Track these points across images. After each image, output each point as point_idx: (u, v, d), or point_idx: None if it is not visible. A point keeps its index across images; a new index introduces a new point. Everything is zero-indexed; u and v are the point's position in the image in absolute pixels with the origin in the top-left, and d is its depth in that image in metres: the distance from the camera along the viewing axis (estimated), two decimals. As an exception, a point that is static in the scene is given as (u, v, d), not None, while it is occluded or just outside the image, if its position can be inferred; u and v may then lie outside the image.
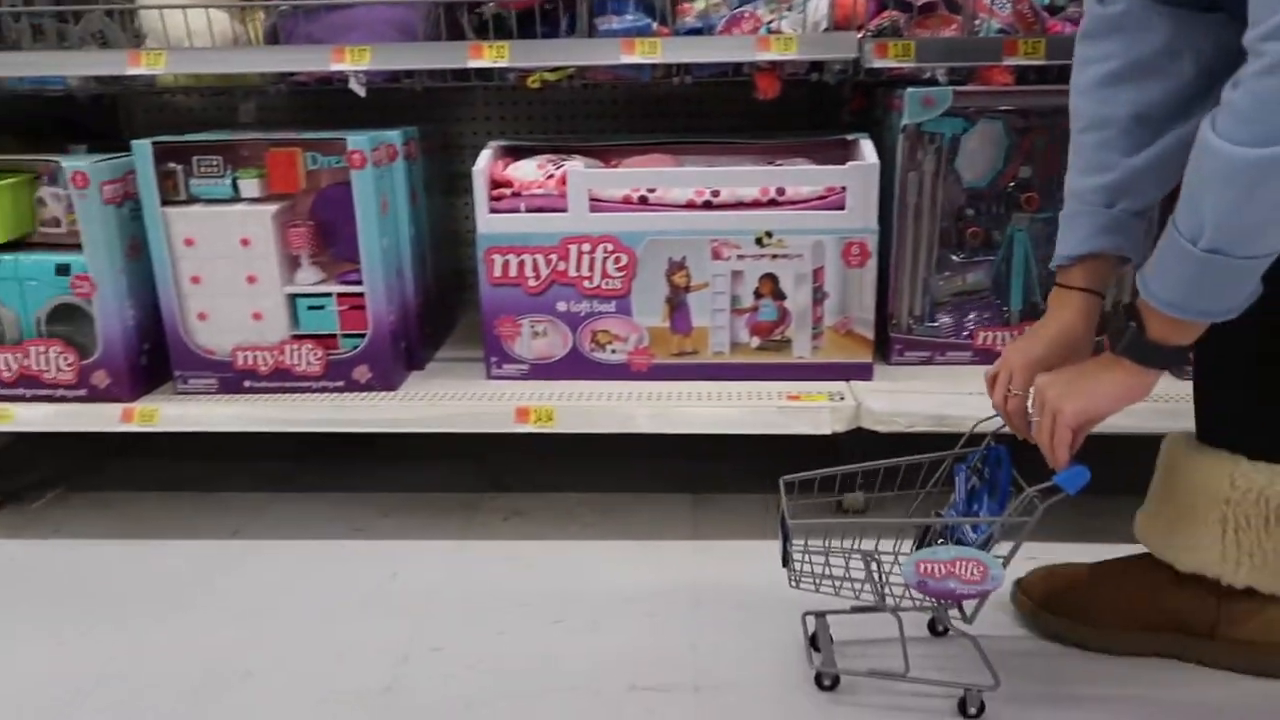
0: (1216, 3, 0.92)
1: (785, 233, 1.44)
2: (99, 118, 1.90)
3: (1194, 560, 1.06)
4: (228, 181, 1.44)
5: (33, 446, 1.72)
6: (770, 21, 1.47)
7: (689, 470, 1.64)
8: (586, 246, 1.46)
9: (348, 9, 1.48)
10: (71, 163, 1.39)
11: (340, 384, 1.50)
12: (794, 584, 1.07)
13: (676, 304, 1.49)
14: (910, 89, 1.44)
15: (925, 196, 1.50)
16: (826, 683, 1.07)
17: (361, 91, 1.49)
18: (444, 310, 1.83)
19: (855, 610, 1.09)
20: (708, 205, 1.45)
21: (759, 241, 1.45)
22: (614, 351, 1.51)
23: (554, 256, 1.47)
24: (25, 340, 1.46)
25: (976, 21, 1.46)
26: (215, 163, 1.44)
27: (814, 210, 1.44)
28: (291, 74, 1.59)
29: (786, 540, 1.06)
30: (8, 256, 1.44)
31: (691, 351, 1.51)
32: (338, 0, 1.47)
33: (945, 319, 1.56)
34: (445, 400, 1.47)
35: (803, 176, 1.45)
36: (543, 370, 1.53)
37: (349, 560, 1.41)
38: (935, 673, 1.07)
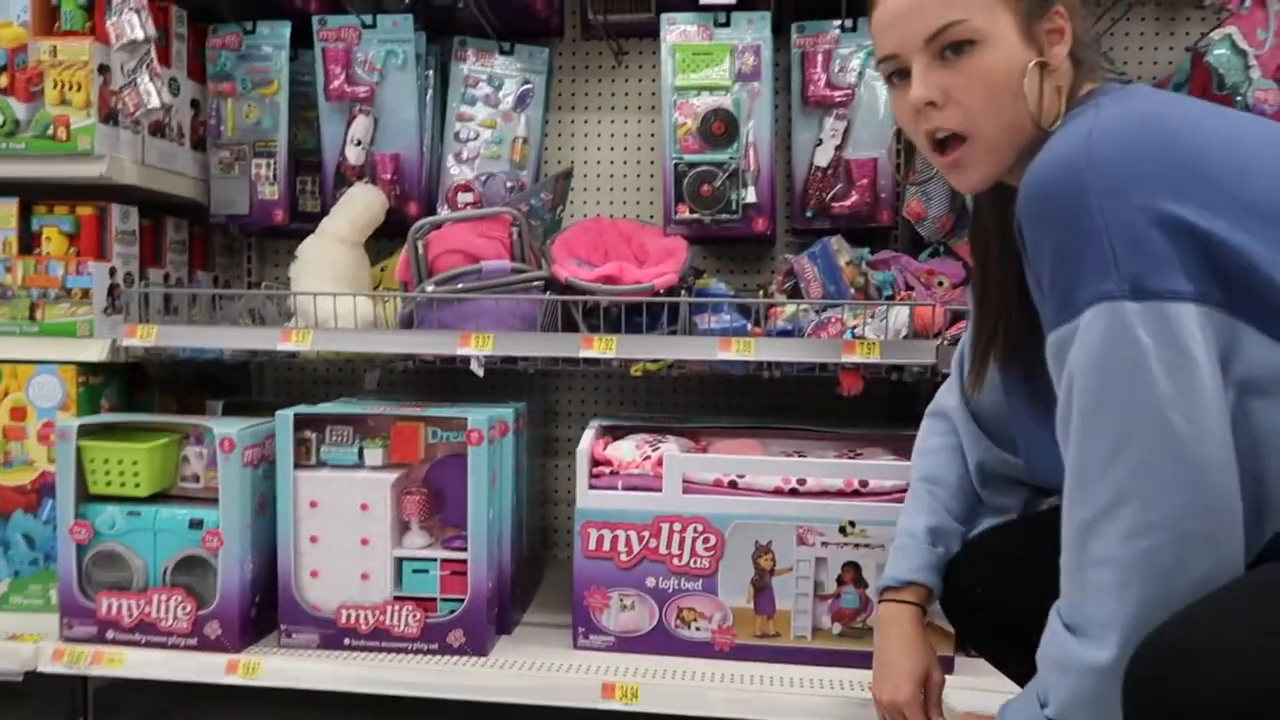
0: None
1: (867, 523, 1.51)
2: (234, 374, 2.11)
3: None
4: (354, 449, 1.58)
5: (131, 688, 1.78)
6: (854, 326, 1.62)
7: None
8: (678, 526, 1.55)
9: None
10: (221, 429, 1.55)
11: (434, 646, 1.55)
12: None
13: (761, 586, 1.54)
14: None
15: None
16: None
17: (480, 373, 1.66)
18: (532, 568, 1.90)
19: None
20: (794, 493, 1.54)
21: (842, 530, 1.52)
22: (698, 629, 1.56)
23: (646, 533, 1.55)
24: (150, 588, 1.57)
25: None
26: (345, 433, 1.59)
27: (896, 503, 1.52)
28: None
29: None
30: (148, 509, 1.58)
31: (774, 634, 1.54)
32: (467, 296, 1.66)
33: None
34: (534, 671, 1.51)
35: (885, 471, 1.54)
36: (628, 643, 1.57)
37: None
38: None
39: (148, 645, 1.56)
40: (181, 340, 1.72)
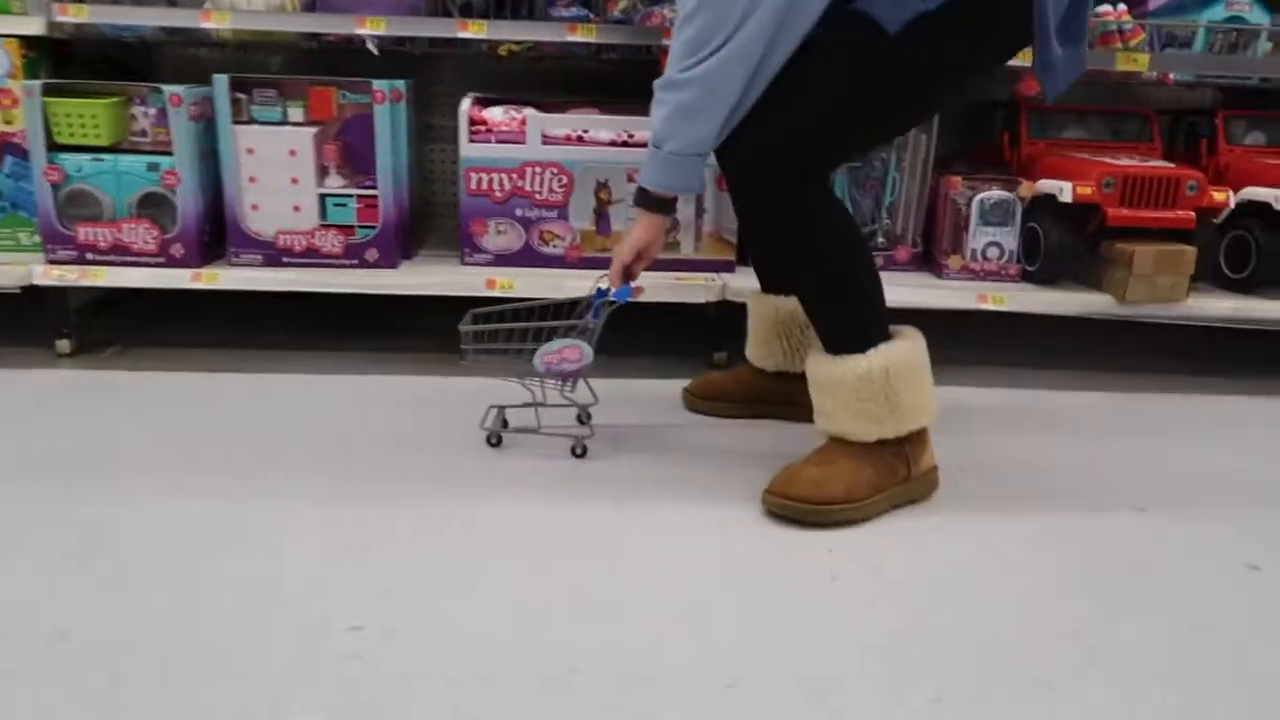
0: None
1: (678, 165, 2.07)
2: (141, 58, 2.40)
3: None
4: (279, 109, 1.98)
5: (94, 313, 2.21)
6: (673, 18, 2.10)
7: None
8: (538, 169, 2.06)
9: (367, -11, 2.04)
10: (169, 88, 1.91)
11: (355, 262, 2.05)
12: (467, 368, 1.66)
13: (601, 214, 2.10)
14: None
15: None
16: (493, 440, 1.68)
17: (375, 51, 2.06)
18: (421, 221, 2.39)
19: (522, 406, 1.69)
20: (625, 144, 2.07)
21: (660, 171, 2.07)
22: (555, 246, 2.12)
23: (514, 176, 2.06)
24: (119, 219, 1.97)
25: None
26: (271, 95, 1.98)
27: (698, 151, 2.07)
28: (322, 35, 2.13)
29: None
30: (108, 156, 1.95)
31: (610, 249, 2.12)
32: (363, -17, 2.02)
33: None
34: (434, 275, 2.05)
35: (691, 127, 2.08)
36: (503, 259, 2.12)
37: (362, 393, 1.97)
38: (557, 428, 1.70)
39: (123, 264, 1.99)
40: (109, 18, 2.01)
